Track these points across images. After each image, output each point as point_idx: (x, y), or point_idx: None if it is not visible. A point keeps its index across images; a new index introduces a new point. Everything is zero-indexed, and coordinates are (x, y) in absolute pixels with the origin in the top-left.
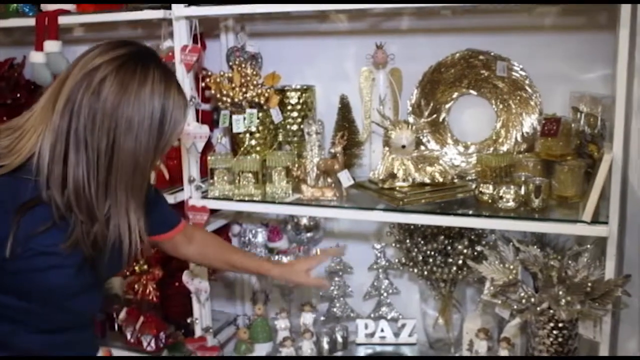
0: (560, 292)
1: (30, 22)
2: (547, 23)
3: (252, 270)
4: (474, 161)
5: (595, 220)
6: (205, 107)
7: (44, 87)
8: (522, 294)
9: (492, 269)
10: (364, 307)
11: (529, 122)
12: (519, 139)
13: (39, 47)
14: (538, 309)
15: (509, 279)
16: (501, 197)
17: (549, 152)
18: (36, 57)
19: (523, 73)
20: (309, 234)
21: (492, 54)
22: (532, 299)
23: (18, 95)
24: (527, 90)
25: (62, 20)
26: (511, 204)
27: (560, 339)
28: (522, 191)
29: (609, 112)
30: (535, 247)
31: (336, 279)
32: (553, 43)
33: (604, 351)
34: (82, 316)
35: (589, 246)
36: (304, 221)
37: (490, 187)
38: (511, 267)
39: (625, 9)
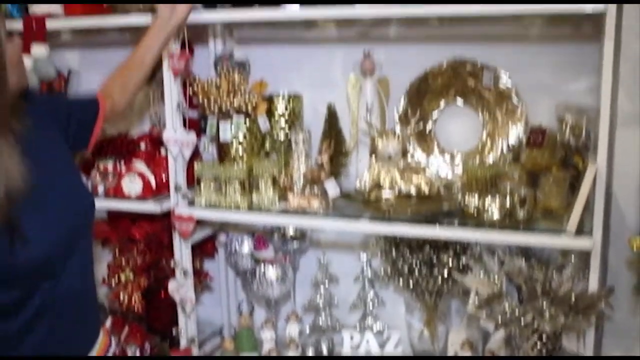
0: (544, 305)
1: (18, 24)
2: (533, 33)
3: (153, 46)
4: (460, 171)
5: (579, 232)
6: (193, 114)
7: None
8: (506, 307)
9: (476, 280)
10: (349, 318)
11: (515, 132)
12: (504, 149)
13: (26, 51)
14: (522, 321)
15: (493, 291)
16: (486, 209)
17: (535, 163)
18: None
19: (509, 83)
20: (295, 244)
21: (478, 63)
22: (516, 311)
23: None
24: (514, 100)
25: (50, 24)
26: (496, 215)
27: (544, 352)
28: (507, 202)
29: (594, 124)
30: (520, 258)
31: (322, 289)
32: (539, 53)
33: None
34: None
35: (573, 258)
36: (291, 231)
37: (476, 198)
38: (495, 279)
39: (610, 21)
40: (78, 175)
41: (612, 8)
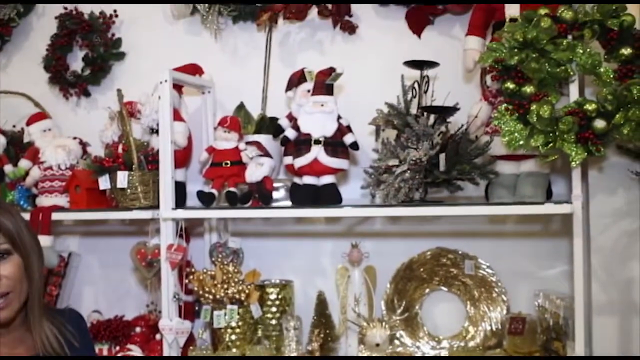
0: None
1: (25, 216)
2: (508, 229)
3: None
4: (446, 354)
5: None
6: (188, 298)
7: None
8: None
9: None
10: None
11: (497, 317)
12: (487, 334)
13: None
14: None
15: None
16: None
17: (517, 350)
18: None
19: (490, 271)
20: None
21: (460, 252)
22: None
23: None
24: (494, 287)
25: (56, 216)
26: None
27: None
28: None
29: (570, 310)
30: None
31: None
32: (516, 244)
33: None
34: None
35: None
36: None
37: None
38: None
39: (577, 220)
40: None
41: (578, 210)
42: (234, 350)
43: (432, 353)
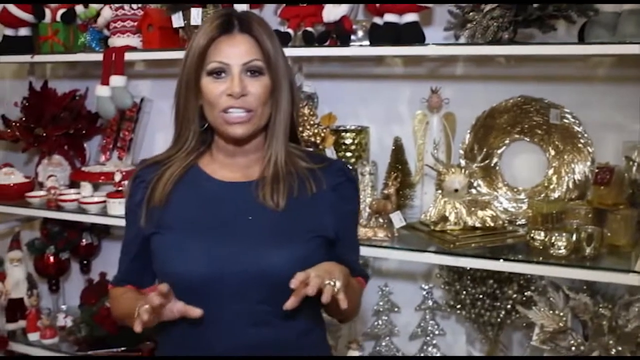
0: (611, 342)
1: (98, 57)
2: (600, 73)
3: None
4: (524, 206)
5: None
6: None
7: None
8: (572, 342)
9: (541, 315)
10: (409, 347)
11: (581, 169)
12: (570, 186)
13: (105, 82)
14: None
15: (558, 326)
16: (553, 244)
17: (601, 201)
18: (102, 91)
19: (576, 121)
20: None
21: (545, 101)
22: (582, 347)
23: (80, 125)
24: (580, 138)
25: (128, 56)
26: (563, 251)
27: None
28: (574, 239)
29: None
30: (585, 294)
31: (383, 317)
32: (606, 92)
33: None
34: None
35: None
36: None
37: (542, 233)
38: (561, 314)
39: None
40: (296, 247)
41: None
42: None
43: (510, 204)
